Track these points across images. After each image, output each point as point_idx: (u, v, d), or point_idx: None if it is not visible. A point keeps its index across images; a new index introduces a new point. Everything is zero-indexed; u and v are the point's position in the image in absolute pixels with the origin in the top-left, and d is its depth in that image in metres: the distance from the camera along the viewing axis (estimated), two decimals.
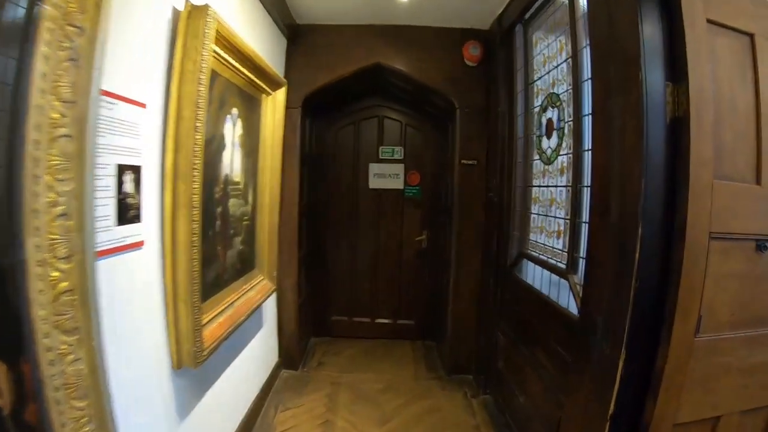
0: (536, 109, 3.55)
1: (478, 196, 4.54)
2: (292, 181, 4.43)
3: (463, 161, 4.53)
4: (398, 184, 5.54)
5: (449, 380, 4.69)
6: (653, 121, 1.96)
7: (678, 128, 1.97)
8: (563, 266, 2.92)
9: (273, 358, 4.47)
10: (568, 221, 2.91)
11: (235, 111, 2.89)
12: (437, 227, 5.46)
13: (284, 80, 3.67)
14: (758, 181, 2.10)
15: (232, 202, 2.90)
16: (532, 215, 3.62)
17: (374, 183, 5.55)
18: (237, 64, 2.78)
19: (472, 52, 4.42)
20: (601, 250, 2.26)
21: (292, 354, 4.68)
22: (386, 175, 5.54)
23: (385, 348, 5.45)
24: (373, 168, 5.54)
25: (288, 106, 4.12)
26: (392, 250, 5.62)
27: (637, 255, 1.94)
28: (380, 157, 5.53)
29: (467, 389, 4.50)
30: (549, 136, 3.26)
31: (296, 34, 4.43)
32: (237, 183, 3.00)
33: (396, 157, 5.53)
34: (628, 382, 2.04)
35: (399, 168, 5.53)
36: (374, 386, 4.49)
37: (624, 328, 2.00)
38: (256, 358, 3.87)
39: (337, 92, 4.91)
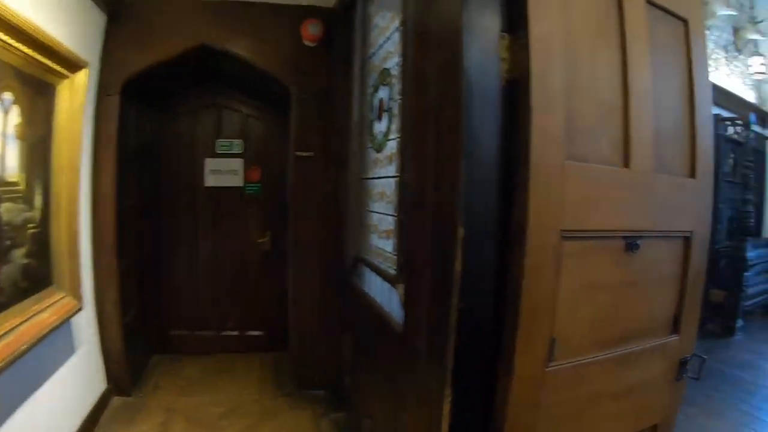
0: (370, 90, 2.97)
1: (317, 192, 3.94)
2: (107, 180, 3.57)
3: (298, 153, 3.89)
4: (237, 181, 4.84)
5: (300, 397, 4.05)
6: (481, 83, 1.41)
7: (516, 93, 1.44)
8: (394, 273, 2.34)
9: (99, 385, 3.67)
10: (396, 219, 2.32)
11: (7, 96, 2.21)
12: (281, 227, 4.79)
13: (84, 60, 2.89)
14: (626, 163, 1.59)
15: (5, 206, 2.22)
16: (368, 212, 3.02)
17: (211, 180, 4.81)
18: (6, 38, 2.12)
19: (311, 32, 3.73)
20: (419, 256, 1.72)
21: (123, 378, 3.87)
22: (224, 172, 4.81)
23: (232, 364, 4.75)
24: (210, 164, 4.80)
25: (104, 93, 3.41)
26: (234, 255, 4.92)
27: (457, 264, 1.39)
28: (217, 151, 4.81)
29: (318, 407, 3.89)
30: (380, 119, 2.70)
31: (119, 10, 3.57)
32: (14, 184, 2.31)
33: (235, 151, 4.82)
34: (460, 429, 1.50)
35: (238, 163, 4.83)
36: (214, 410, 3.81)
37: (447, 360, 1.46)
38: (71, 387, 3.13)
39: (168, 77, 4.15)
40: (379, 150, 2.68)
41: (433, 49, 1.63)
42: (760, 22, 7.20)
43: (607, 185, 1.53)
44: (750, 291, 6.32)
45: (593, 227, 1.50)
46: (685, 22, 1.83)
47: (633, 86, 1.62)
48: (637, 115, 1.62)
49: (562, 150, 1.42)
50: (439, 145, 1.55)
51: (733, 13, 6.83)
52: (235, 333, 4.97)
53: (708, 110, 1.90)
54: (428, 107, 1.65)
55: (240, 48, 3.75)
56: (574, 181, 1.44)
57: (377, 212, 2.72)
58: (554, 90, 1.42)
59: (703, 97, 1.86)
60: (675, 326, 1.88)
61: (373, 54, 2.89)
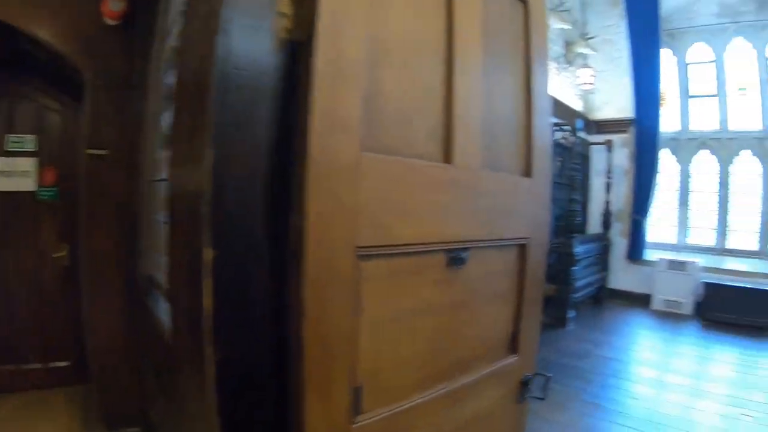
0: (163, 74, 2.36)
1: (112, 196, 3.19)
2: None
3: (90, 151, 3.09)
4: (29, 184, 3.87)
5: None
6: (246, 46, 0.95)
7: (298, 61, 0.99)
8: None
9: None
10: None
11: None
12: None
13: None
14: (448, 158, 1.20)
15: None
16: (158, 222, 2.34)
17: None
18: None
19: (112, 7, 2.97)
20: (176, 282, 1.24)
21: None
22: (13, 173, 3.82)
23: (37, 402, 3.78)
24: None
25: None
26: (29, 272, 3.92)
27: (205, 300, 0.91)
28: (6, 148, 3.81)
29: None
30: (166, 108, 2.12)
31: None
32: None
33: (27, 148, 3.86)
34: None
35: (30, 163, 3.87)
36: None
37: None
38: None
39: None
40: (164, 146, 2.09)
41: (195, 6, 1.14)
42: (591, 38, 7.47)
43: (423, 185, 1.13)
44: (578, 284, 6.56)
45: (404, 240, 1.09)
46: (524, 3, 1.51)
47: (460, 66, 1.24)
48: (463, 100, 1.24)
49: (357, 138, 0.99)
50: (190, 129, 1.06)
51: (567, 27, 7.00)
52: (38, 365, 3.97)
53: (546, 102, 1.60)
54: (185, 84, 1.16)
55: (32, 24, 2.89)
56: (375, 179, 1.02)
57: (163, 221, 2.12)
58: (350, 58, 0.99)
59: (541, 87, 1.56)
60: (513, 345, 1.55)
61: (172, 31, 2.29)
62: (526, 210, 1.46)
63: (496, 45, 1.40)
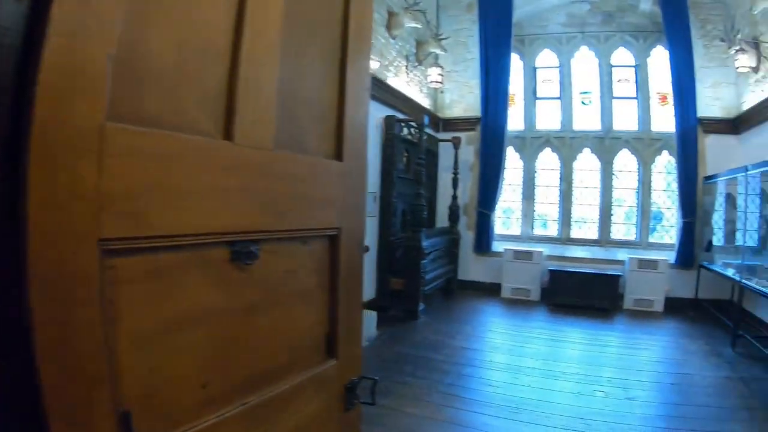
0: None
1: None
2: None
3: None
4: None
5: None
6: None
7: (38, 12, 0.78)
8: None
9: None
10: None
11: None
12: None
13: None
14: (228, 135, 1.04)
15: None
16: None
17: None
18: None
19: None
20: None
21: None
22: None
23: None
24: None
25: None
26: None
27: None
28: None
29: None
30: None
31: None
32: None
33: None
34: None
35: None
36: None
37: None
38: None
39: None
40: None
41: None
42: (445, 39, 7.73)
43: (195, 165, 0.96)
44: (428, 276, 6.80)
45: (169, 231, 0.91)
46: None
47: (252, 22, 1.08)
48: (253, 71, 1.09)
49: (104, 105, 0.81)
50: None
51: (419, 26, 7.17)
52: None
53: (364, 81, 1.50)
54: None
55: None
56: (128, 156, 0.84)
57: None
58: (99, 9, 0.80)
59: (357, 64, 1.44)
60: (331, 348, 1.43)
61: None
62: (336, 196, 1.35)
63: (306, 13, 1.28)
